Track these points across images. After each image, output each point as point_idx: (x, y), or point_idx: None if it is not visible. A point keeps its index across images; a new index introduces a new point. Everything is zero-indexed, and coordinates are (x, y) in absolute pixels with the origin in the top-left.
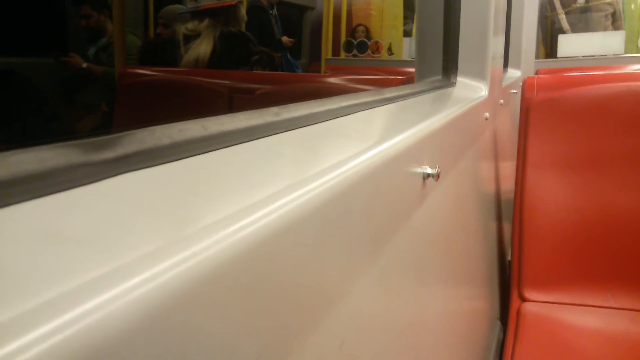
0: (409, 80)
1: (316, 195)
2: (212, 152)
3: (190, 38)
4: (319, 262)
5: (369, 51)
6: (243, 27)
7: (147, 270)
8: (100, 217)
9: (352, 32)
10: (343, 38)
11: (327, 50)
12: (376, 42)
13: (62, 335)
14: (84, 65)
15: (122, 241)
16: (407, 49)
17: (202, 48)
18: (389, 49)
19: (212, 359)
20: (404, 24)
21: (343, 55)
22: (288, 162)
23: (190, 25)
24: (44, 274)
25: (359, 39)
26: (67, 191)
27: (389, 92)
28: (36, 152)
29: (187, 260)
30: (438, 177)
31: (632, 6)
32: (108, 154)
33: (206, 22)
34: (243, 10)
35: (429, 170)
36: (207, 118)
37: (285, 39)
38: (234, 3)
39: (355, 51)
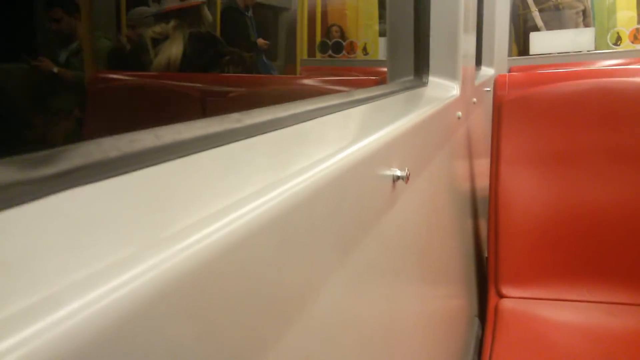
0: (382, 80)
1: (281, 201)
2: (165, 163)
3: (159, 41)
4: (281, 272)
5: (344, 51)
6: (210, 28)
7: (90, 293)
8: (40, 237)
9: (326, 32)
10: (318, 39)
11: (302, 51)
12: (351, 43)
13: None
14: (55, 70)
15: (60, 263)
16: (382, 48)
17: (173, 50)
18: (364, 49)
19: None
20: (379, 24)
21: (318, 56)
22: (251, 169)
23: (158, 28)
24: None
25: (334, 40)
26: (4, 211)
27: (360, 94)
28: None
29: (140, 277)
30: (408, 179)
31: (601, 3)
32: (48, 170)
33: (172, 23)
34: (207, 11)
35: (398, 173)
36: (161, 127)
37: (260, 41)
38: (197, 3)
39: (330, 52)
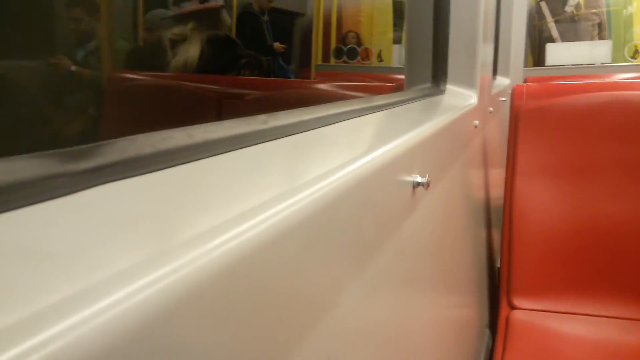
0: (398, 86)
1: (303, 206)
2: (197, 162)
3: (177, 43)
4: (305, 275)
5: (358, 58)
6: (227, 31)
7: (128, 286)
8: (77, 230)
9: (342, 38)
10: (333, 44)
11: (317, 57)
12: (366, 49)
13: (38, 355)
14: (73, 68)
15: (101, 255)
16: (396, 55)
17: (190, 52)
18: (379, 55)
19: None
20: (394, 31)
21: (333, 61)
22: (275, 172)
23: (176, 30)
24: (18, 291)
25: (349, 46)
26: (44, 203)
27: (378, 100)
28: (11, 162)
29: (168, 275)
30: (428, 185)
31: (618, 16)
32: (87, 164)
33: (191, 26)
34: (226, 13)
35: (419, 179)
36: (194, 126)
37: (277, 45)
38: (217, 7)
39: (345, 57)
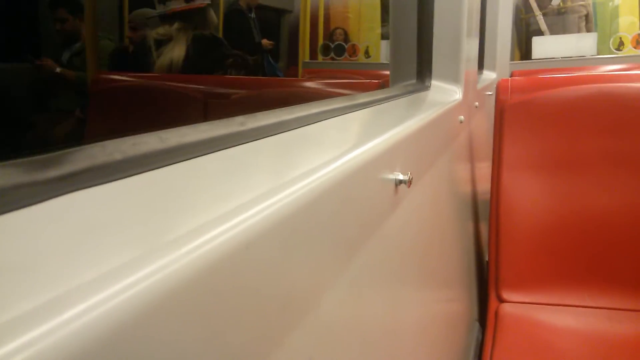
0: (385, 83)
1: (283, 205)
2: (171, 166)
3: (162, 42)
4: (287, 274)
5: (346, 54)
6: (214, 30)
7: (97, 295)
8: (43, 240)
9: (330, 35)
10: (320, 41)
11: (304, 54)
12: (353, 45)
13: None
14: (58, 70)
15: (69, 265)
16: (384, 51)
17: (175, 52)
18: (366, 52)
19: None
20: (382, 27)
21: (320, 58)
22: (254, 173)
23: (161, 30)
24: None
25: (337, 42)
26: (9, 213)
27: (362, 98)
28: None
29: (140, 282)
30: (410, 183)
31: (604, 8)
32: (54, 172)
33: (176, 25)
34: (213, 13)
35: (400, 177)
36: (166, 130)
37: (265, 41)
38: (203, 6)
39: (332, 54)
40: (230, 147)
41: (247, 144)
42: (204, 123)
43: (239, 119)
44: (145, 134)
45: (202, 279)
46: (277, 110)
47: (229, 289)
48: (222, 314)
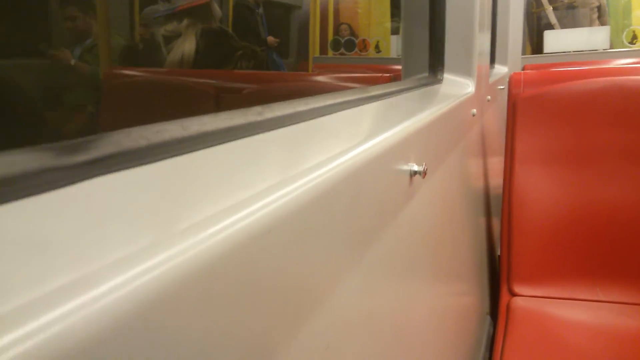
0: (396, 77)
1: (299, 195)
2: (192, 153)
3: (171, 39)
4: (302, 263)
5: (356, 49)
6: (220, 23)
7: (122, 275)
8: (72, 222)
9: (335, 31)
10: (330, 36)
11: (314, 49)
12: (363, 40)
13: (32, 341)
14: (72, 62)
15: (96, 246)
16: (394, 46)
17: (186, 47)
18: (377, 46)
19: None
20: (392, 22)
21: (330, 53)
22: (271, 162)
23: (170, 27)
24: (12, 281)
25: (347, 37)
26: (38, 195)
27: (375, 90)
28: (5, 156)
29: (163, 264)
30: (425, 174)
31: (617, 1)
32: (81, 157)
33: (185, 22)
34: (216, 6)
35: (415, 168)
36: (188, 118)
37: (270, 39)
38: (207, 0)
39: (342, 49)
40: (248, 137)
41: (264, 133)
42: (223, 112)
43: (257, 109)
44: (168, 122)
45: (217, 266)
46: (293, 101)
47: (244, 276)
48: (237, 302)
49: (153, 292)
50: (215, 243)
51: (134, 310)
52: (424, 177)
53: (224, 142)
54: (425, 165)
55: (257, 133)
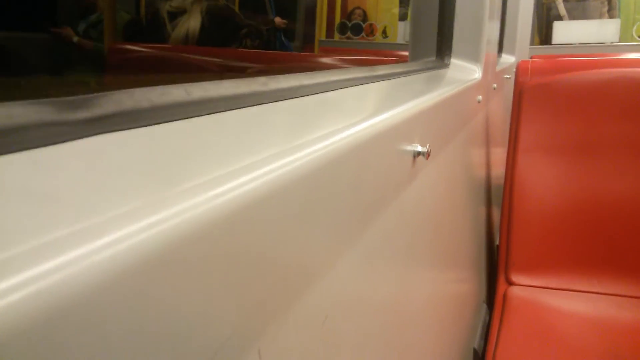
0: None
1: (302, 164)
2: (194, 118)
3: (176, 15)
4: (303, 233)
5: (363, 34)
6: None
7: (118, 230)
8: (71, 176)
9: (349, 15)
10: (337, 20)
11: (320, 32)
12: (370, 25)
13: (27, 290)
14: (75, 39)
15: (94, 200)
16: (401, 32)
17: (191, 24)
18: (384, 32)
19: (182, 329)
20: (400, 7)
21: (337, 37)
22: (274, 131)
23: (175, 3)
24: (12, 229)
25: (354, 21)
26: (38, 149)
27: (382, 70)
28: (6, 107)
29: (163, 222)
30: (428, 155)
31: None
32: (83, 114)
33: None
34: None
35: (419, 148)
36: (191, 83)
37: (278, 19)
38: None
39: (349, 33)
40: (252, 106)
41: (268, 104)
42: (228, 80)
43: (262, 79)
44: (172, 86)
45: (218, 227)
46: (298, 74)
47: (246, 241)
48: (238, 264)
49: (153, 248)
50: (216, 205)
51: (134, 264)
52: (427, 159)
53: (227, 110)
54: (429, 146)
55: (262, 103)
